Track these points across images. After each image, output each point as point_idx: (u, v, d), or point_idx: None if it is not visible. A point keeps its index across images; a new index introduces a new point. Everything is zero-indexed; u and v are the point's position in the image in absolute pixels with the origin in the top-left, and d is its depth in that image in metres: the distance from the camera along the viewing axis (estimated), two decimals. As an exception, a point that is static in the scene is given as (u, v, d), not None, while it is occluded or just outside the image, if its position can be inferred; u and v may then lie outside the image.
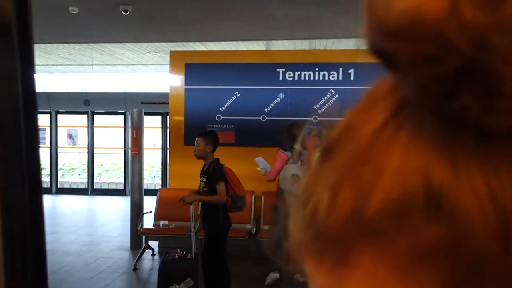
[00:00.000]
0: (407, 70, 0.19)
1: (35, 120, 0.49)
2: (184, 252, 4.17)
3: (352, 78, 6.10)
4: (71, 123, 12.24)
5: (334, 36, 8.30)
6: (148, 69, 12.80)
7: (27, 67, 0.47)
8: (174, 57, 6.59)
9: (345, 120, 0.24)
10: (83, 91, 13.79)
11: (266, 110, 6.20)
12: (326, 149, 0.24)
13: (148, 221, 6.05)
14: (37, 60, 9.57)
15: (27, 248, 0.46)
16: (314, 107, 6.06)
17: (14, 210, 0.46)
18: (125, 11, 6.27)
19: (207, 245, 4.03)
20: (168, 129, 9.19)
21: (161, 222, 5.92)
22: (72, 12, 6.30)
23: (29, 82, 0.47)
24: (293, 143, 4.64)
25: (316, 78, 6.15)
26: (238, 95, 6.24)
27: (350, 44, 9.26)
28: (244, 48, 9.42)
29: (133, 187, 6.58)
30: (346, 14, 6.51)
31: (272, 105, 6.20)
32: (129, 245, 6.35)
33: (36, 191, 0.47)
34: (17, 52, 0.45)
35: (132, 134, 6.54)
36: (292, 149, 4.62)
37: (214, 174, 3.91)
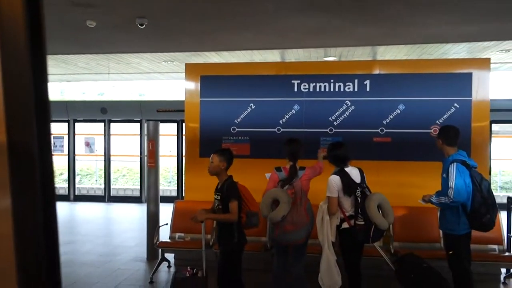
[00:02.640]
0: None
1: (48, 128, 0.50)
2: (195, 270, 4.17)
3: (368, 89, 6.00)
4: (89, 131, 12.40)
5: (347, 44, 8.26)
6: (163, 77, 12.91)
7: (40, 76, 0.48)
8: (190, 69, 6.60)
9: None
10: (100, 95, 14.01)
11: (281, 122, 6.16)
12: None
13: (164, 232, 6.09)
14: (55, 70, 9.58)
15: (41, 259, 0.46)
16: (330, 118, 6.00)
17: (27, 220, 0.47)
18: (141, 25, 6.33)
19: (222, 261, 4.03)
20: (183, 137, 9.23)
21: (177, 235, 5.94)
22: (89, 26, 6.39)
23: (42, 91, 0.49)
24: (292, 160, 4.38)
25: (332, 89, 6.07)
26: (253, 107, 6.22)
27: (366, 52, 9.21)
28: (260, 57, 9.43)
29: (149, 199, 6.63)
30: (357, 22, 6.47)
31: (287, 117, 6.16)
32: (146, 256, 6.40)
33: (49, 200, 0.48)
34: (29, 62, 0.47)
35: (148, 147, 6.58)
36: (293, 167, 4.35)
37: (228, 192, 3.92)
